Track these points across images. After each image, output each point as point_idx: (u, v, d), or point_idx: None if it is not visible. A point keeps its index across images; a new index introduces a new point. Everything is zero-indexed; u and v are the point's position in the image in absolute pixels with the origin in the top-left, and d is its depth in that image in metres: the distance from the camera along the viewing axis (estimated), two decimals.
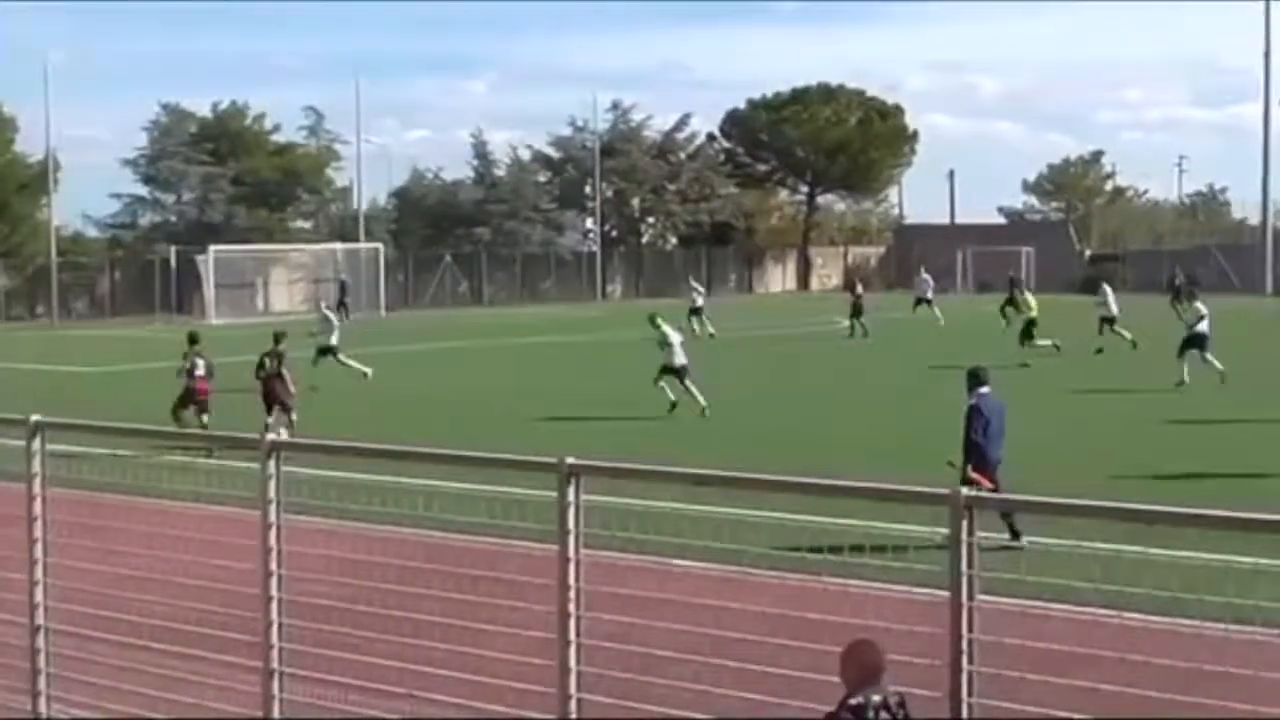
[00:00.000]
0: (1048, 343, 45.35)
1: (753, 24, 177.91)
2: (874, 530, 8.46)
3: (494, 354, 50.79)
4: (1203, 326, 36.95)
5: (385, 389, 38.42)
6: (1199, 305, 37.94)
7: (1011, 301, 57.47)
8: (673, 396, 32.31)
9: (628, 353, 51.01)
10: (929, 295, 66.38)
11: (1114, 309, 48.63)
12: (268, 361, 29.66)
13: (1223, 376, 35.41)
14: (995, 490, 16.96)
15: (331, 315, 42.95)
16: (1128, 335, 47.11)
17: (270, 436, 9.27)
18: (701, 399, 31.80)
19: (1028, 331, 46.26)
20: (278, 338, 30.63)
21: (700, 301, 61.56)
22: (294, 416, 29.08)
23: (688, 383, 32.34)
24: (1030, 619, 7.71)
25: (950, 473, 18.02)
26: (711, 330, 57.85)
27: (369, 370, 39.86)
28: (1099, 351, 45.93)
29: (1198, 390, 34.13)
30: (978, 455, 18.37)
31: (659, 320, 34.08)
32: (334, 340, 40.41)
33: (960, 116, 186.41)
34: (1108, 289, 50.25)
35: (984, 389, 18.97)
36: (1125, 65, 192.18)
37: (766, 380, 40.29)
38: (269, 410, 28.93)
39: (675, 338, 33.39)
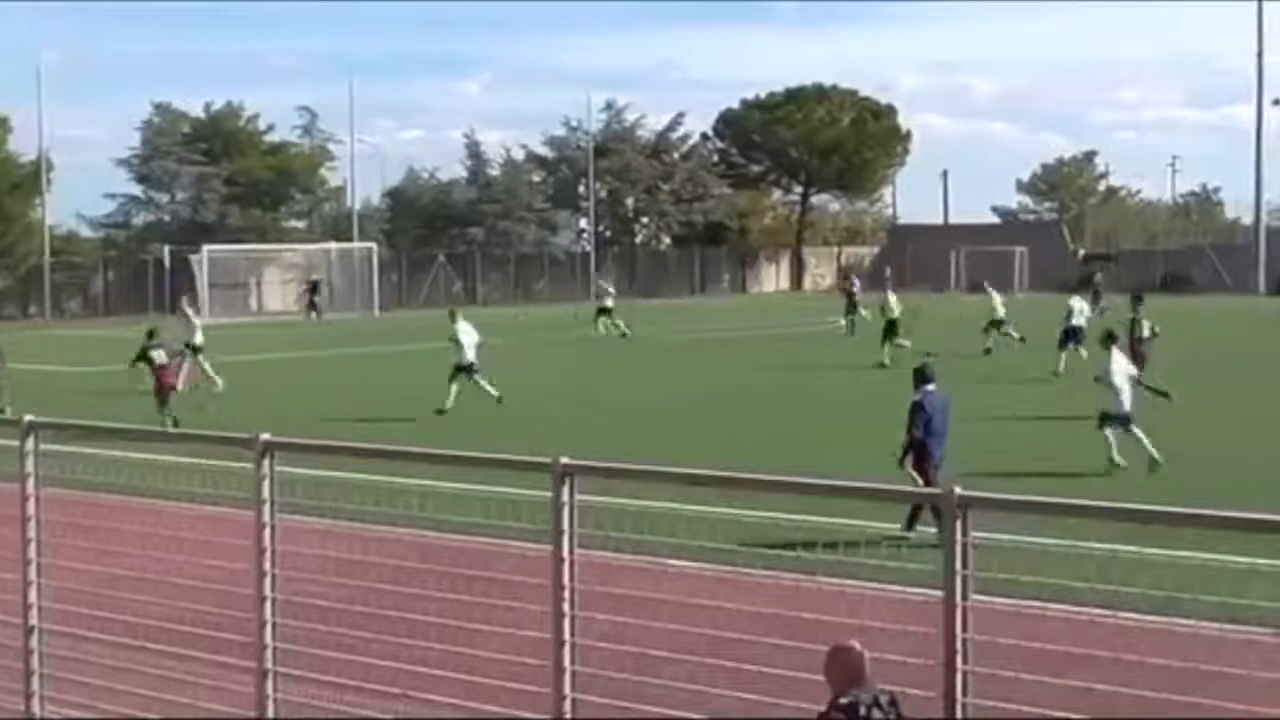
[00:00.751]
0: (906, 343, 44.98)
1: (747, 24, 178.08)
2: (870, 529, 8.46)
3: (486, 353, 50.73)
4: (1078, 320, 39.74)
5: (377, 389, 38.41)
6: (1072, 301, 41.41)
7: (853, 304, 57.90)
8: (449, 401, 32.32)
9: (619, 352, 51.08)
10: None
11: (1000, 311, 49.15)
12: (153, 355, 31.49)
13: (1055, 374, 37.76)
14: (926, 485, 17.47)
15: (192, 314, 41.48)
16: (1015, 334, 47.89)
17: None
18: (493, 390, 33.07)
19: (889, 332, 46.14)
20: (152, 334, 32.58)
21: (610, 302, 61.95)
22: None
23: (476, 379, 33.34)
24: (1025, 619, 7.70)
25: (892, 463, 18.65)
26: (625, 330, 58.46)
27: (219, 381, 38.31)
28: (987, 352, 46.74)
29: (1067, 384, 34.79)
30: (918, 451, 18.79)
31: (457, 317, 35.05)
32: (198, 339, 39.22)
33: (954, 117, 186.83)
34: (993, 291, 50.79)
35: (929, 386, 19.39)
36: (1120, 66, 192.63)
37: (758, 379, 40.28)
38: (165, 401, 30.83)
39: (468, 337, 34.07)
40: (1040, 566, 7.91)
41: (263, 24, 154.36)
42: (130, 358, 32.26)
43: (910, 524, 16.99)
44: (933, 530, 16.63)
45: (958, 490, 6.95)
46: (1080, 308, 42.36)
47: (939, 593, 6.89)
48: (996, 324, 48.99)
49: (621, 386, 39.03)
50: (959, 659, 6.82)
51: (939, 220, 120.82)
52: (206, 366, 38.88)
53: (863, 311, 56.67)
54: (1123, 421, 23.99)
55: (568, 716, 8.00)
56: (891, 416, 21.10)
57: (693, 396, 36.24)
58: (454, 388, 32.83)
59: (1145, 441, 23.61)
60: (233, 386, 37.97)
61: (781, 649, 7.80)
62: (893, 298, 48.04)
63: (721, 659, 7.98)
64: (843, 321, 58.59)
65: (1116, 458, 23.64)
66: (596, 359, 49.57)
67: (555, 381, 40.81)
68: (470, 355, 33.79)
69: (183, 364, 34.99)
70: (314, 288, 79.99)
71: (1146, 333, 34.42)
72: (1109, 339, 25.54)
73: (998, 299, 50.05)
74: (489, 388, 33.28)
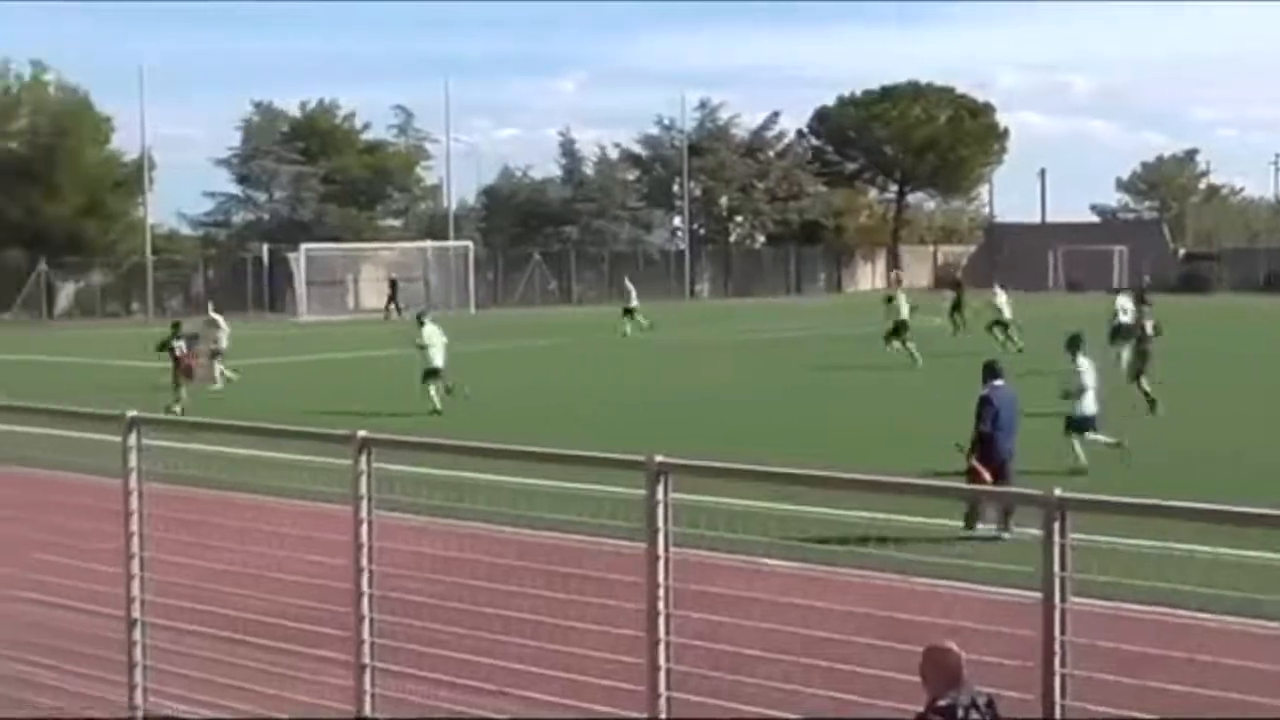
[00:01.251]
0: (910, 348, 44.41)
1: (845, 23, 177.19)
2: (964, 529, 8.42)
3: (582, 351, 50.88)
4: (1124, 319, 40.90)
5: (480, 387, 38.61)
6: (1120, 300, 43.32)
7: (959, 305, 56.76)
8: (436, 403, 33.05)
9: (714, 352, 51.01)
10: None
11: (1007, 313, 48.51)
12: (175, 345, 35.00)
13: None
14: (995, 482, 17.81)
15: (219, 319, 42.12)
16: (1017, 340, 46.71)
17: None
18: (438, 401, 33.04)
19: (897, 330, 45.52)
20: (176, 326, 36.80)
21: (634, 302, 62.34)
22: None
23: (434, 383, 33.71)
24: (1123, 621, 7.64)
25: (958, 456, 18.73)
26: (645, 324, 59.36)
27: (220, 382, 39.13)
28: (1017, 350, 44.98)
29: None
30: (985, 446, 18.82)
31: (425, 320, 35.83)
32: (224, 345, 40.05)
33: (1053, 115, 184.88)
34: (999, 290, 50.33)
35: (998, 381, 19.54)
36: (1221, 62, 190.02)
37: (850, 378, 40.11)
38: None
39: (436, 340, 34.48)
40: (1137, 569, 7.85)
41: (360, 23, 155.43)
42: (157, 342, 35.82)
43: (970, 521, 17.27)
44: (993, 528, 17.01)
45: (1057, 491, 6.91)
46: (1125, 306, 43.02)
47: (1035, 594, 6.86)
48: (1002, 325, 48.27)
49: (718, 383, 38.94)
50: (1057, 661, 6.78)
51: (1036, 219, 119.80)
52: (220, 369, 39.85)
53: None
54: (1087, 425, 24.23)
55: (662, 715, 8.01)
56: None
57: (784, 392, 36.16)
58: (431, 389, 33.50)
59: (1100, 440, 23.86)
60: (324, 382, 38.28)
61: (875, 649, 7.78)
62: (1001, 296, 47.76)
63: (815, 659, 7.97)
64: (938, 321, 58.13)
65: (1084, 462, 23.51)
66: (679, 359, 49.53)
67: (633, 380, 40.84)
68: (438, 360, 34.24)
69: (196, 356, 36.92)
70: (394, 286, 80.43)
71: (1150, 331, 34.49)
72: (1074, 344, 25.19)
73: (1003, 298, 49.60)
74: (436, 397, 33.28)
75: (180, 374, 34.70)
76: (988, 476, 18.27)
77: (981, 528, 17.16)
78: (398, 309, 78.47)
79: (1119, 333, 40.63)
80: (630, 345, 54.35)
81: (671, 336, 58.04)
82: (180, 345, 35.25)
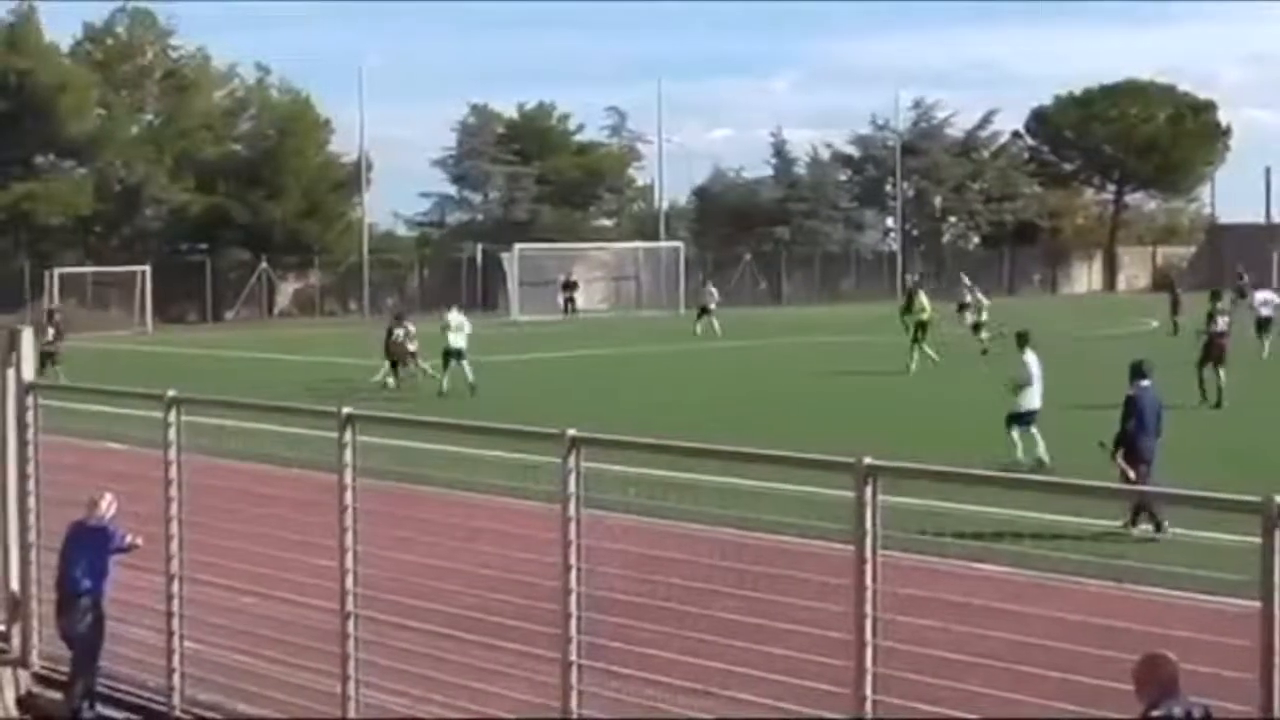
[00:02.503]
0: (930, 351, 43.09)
1: (1065, 21, 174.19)
2: (1180, 536, 8.23)
3: (793, 352, 50.68)
4: (1266, 311, 42.25)
5: (691, 386, 38.70)
6: (1259, 294, 44.54)
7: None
8: (469, 377, 36.70)
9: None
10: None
11: (983, 315, 47.00)
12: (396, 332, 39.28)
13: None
14: (1136, 481, 17.97)
15: (460, 317, 40.91)
16: (986, 338, 44.88)
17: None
18: (445, 381, 36.91)
19: (919, 333, 43.95)
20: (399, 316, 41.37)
21: (713, 304, 62.23)
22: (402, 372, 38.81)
23: (462, 363, 37.23)
24: None
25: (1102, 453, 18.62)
26: (719, 330, 58.70)
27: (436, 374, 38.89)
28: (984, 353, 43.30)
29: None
30: (1128, 445, 18.89)
31: (452, 309, 39.65)
32: (461, 343, 39.03)
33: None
34: (979, 296, 49.76)
35: (1145, 382, 19.68)
36: None
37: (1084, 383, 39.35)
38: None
39: (458, 326, 37.96)
40: None
41: (576, 25, 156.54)
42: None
43: (1134, 519, 17.73)
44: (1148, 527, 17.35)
45: (1278, 499, 6.73)
46: (1266, 298, 44.96)
47: (1254, 603, 6.68)
48: (977, 326, 46.61)
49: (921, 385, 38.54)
50: (1276, 673, 6.60)
51: (1261, 219, 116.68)
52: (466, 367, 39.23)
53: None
54: (1027, 419, 24.38)
55: (869, 717, 7.95)
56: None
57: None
58: (444, 371, 37.35)
59: (1039, 443, 23.78)
60: (535, 380, 38.61)
61: (1087, 656, 7.64)
62: (925, 300, 46.00)
63: (1026, 665, 7.85)
64: (1155, 324, 56.96)
65: (1020, 456, 23.73)
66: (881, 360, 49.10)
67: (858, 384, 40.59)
68: (457, 342, 37.60)
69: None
70: (569, 286, 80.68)
71: (1222, 327, 34.57)
72: (1022, 339, 25.65)
73: (979, 300, 49.07)
74: (469, 374, 36.82)
75: (399, 359, 38.88)
76: (1133, 475, 18.38)
77: (1139, 529, 17.66)
78: (574, 309, 78.84)
79: (1262, 327, 43.06)
80: (836, 348, 53.91)
81: (888, 339, 57.54)
82: (401, 332, 39.13)
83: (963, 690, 8.08)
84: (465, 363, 37.44)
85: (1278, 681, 6.60)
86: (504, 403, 32.55)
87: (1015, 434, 24.17)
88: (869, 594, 7.98)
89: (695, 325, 60.39)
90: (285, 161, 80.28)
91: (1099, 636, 7.93)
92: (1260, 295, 47.06)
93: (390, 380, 38.79)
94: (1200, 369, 33.10)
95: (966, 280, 62.00)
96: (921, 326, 44.47)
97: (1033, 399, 24.57)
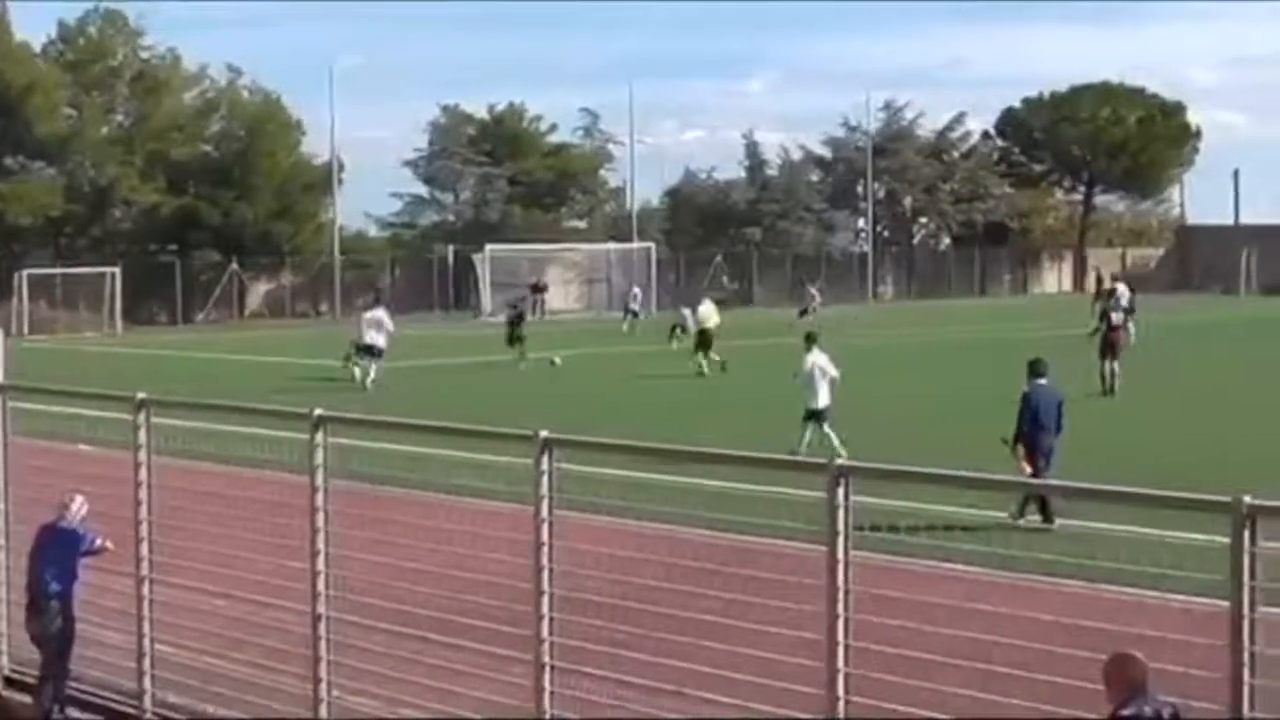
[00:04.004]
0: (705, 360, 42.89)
1: (1036, 22, 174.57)
2: (1149, 535, 8.27)
3: (763, 354, 50.73)
4: (710, 324, 44.48)
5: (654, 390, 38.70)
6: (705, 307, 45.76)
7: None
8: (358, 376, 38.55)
9: (898, 356, 50.62)
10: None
11: (709, 324, 45.62)
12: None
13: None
14: (1035, 475, 18.52)
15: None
16: (703, 364, 43.04)
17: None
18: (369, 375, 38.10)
19: (701, 343, 43.93)
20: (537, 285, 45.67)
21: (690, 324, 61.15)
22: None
23: (366, 359, 38.71)
24: None
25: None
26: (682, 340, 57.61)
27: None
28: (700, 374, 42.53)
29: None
30: (1026, 441, 19.60)
31: (378, 304, 41.51)
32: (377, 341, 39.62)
33: (1251, 114, 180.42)
34: (688, 311, 49.75)
35: (1041, 380, 20.26)
36: None
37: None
38: None
39: (378, 322, 39.42)
40: None
41: (549, 25, 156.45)
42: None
43: (1021, 510, 18.40)
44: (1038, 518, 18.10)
45: (1247, 499, 6.76)
46: (1122, 290, 49.58)
47: (1225, 603, 6.71)
48: (703, 343, 44.45)
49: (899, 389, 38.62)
50: (1245, 672, 6.63)
51: (1230, 221, 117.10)
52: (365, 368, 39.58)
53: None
54: (817, 417, 25.29)
55: (840, 718, 7.96)
56: None
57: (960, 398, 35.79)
58: (357, 361, 39.01)
59: (833, 439, 24.45)
60: (505, 382, 38.57)
61: (1057, 656, 7.67)
62: (713, 309, 46.45)
63: (997, 665, 7.87)
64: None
65: (802, 449, 24.44)
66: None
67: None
68: (370, 339, 38.81)
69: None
70: (538, 289, 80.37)
71: (1116, 321, 37.65)
72: (810, 339, 26.88)
73: (690, 315, 48.35)
74: (358, 371, 38.65)
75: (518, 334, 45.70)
76: (1029, 469, 19.04)
77: (1026, 520, 18.30)
78: (543, 311, 78.55)
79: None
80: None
81: (849, 341, 57.67)
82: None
83: (934, 690, 8.10)
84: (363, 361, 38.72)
85: (1246, 679, 6.63)
86: (474, 403, 32.51)
87: (808, 430, 25.16)
88: (841, 594, 7.99)
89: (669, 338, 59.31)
90: (256, 162, 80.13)
91: (1072, 637, 7.96)
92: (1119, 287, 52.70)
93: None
94: (1101, 361, 36.10)
95: (812, 288, 63.02)
96: (704, 334, 44.61)
97: (818, 397, 25.62)
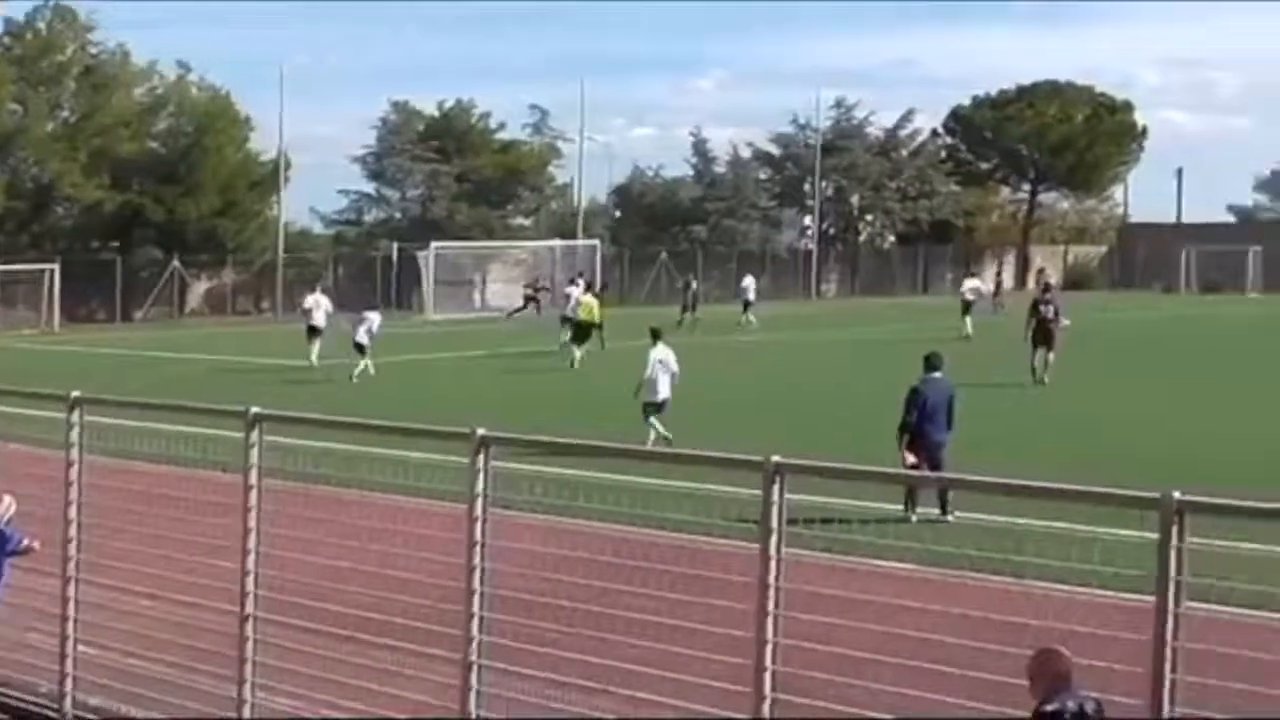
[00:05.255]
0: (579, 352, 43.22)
1: (986, 22, 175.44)
2: (1077, 531, 8.28)
3: (704, 352, 50.77)
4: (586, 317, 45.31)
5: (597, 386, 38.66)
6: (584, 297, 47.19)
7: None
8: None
9: (839, 352, 50.77)
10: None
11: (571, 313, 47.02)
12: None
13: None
14: (917, 468, 18.87)
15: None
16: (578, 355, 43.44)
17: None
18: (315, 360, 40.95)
19: (581, 334, 44.19)
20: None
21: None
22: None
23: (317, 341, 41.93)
24: (1241, 628, 7.47)
25: None
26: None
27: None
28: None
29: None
30: (911, 434, 19.71)
31: (316, 290, 45.69)
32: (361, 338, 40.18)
33: (1195, 113, 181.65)
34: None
35: (934, 373, 20.44)
36: None
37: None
38: None
39: (320, 308, 43.14)
40: (1261, 574, 7.68)
41: (500, 23, 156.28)
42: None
43: (908, 505, 18.51)
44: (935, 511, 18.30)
45: (1176, 495, 6.78)
46: (974, 286, 58.55)
47: (1149, 598, 6.73)
48: (579, 335, 44.90)
49: (834, 383, 38.72)
50: (1168, 667, 6.64)
51: (1172, 219, 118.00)
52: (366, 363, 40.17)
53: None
54: (655, 409, 25.97)
55: (767, 716, 7.94)
56: None
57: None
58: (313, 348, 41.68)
59: (657, 430, 25.37)
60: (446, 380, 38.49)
61: (986, 652, 7.67)
62: (594, 301, 47.10)
63: (925, 661, 7.87)
64: (1066, 322, 57.86)
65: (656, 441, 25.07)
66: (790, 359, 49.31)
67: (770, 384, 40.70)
68: (319, 320, 42.56)
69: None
70: (536, 287, 79.91)
71: (1047, 314, 38.88)
72: (655, 335, 27.71)
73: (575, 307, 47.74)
74: (313, 354, 41.51)
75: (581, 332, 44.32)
76: (911, 460, 19.21)
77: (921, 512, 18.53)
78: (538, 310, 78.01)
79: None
80: (743, 347, 54.07)
81: (800, 337, 57.87)
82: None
83: (861, 687, 8.09)
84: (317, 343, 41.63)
85: (1168, 674, 6.64)
86: (414, 402, 32.42)
87: (653, 421, 25.76)
88: (772, 591, 7.97)
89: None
90: (203, 159, 79.58)
91: (1001, 633, 7.97)
92: (969, 283, 59.61)
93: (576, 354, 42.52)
94: (1034, 351, 37.81)
95: (693, 284, 63.91)
96: (579, 327, 44.94)
97: (656, 391, 26.32)
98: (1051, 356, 37.74)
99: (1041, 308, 39.33)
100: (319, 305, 43.94)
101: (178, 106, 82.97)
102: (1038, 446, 25.73)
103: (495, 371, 43.53)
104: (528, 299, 77.28)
